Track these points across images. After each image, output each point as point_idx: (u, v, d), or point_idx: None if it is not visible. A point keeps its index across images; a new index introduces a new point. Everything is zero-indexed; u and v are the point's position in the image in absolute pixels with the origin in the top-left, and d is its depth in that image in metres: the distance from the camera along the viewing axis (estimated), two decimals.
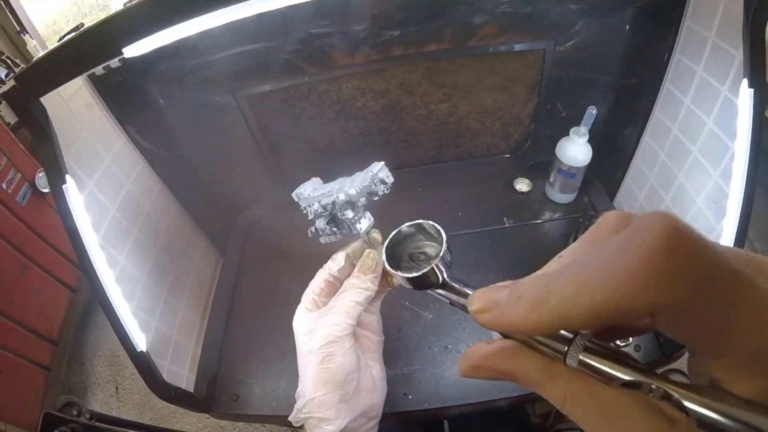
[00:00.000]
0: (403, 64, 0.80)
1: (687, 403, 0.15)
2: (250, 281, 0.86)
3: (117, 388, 1.60)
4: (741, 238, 0.56)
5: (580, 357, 0.18)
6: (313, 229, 0.49)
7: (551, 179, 0.88)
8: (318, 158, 0.93)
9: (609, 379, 0.17)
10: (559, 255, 0.21)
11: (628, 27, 0.76)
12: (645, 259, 0.13)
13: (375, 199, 0.47)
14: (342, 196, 0.47)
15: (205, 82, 0.76)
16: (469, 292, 0.24)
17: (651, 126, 0.78)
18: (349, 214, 0.47)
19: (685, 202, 0.69)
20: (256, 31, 0.60)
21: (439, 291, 0.26)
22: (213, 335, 0.78)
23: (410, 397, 0.64)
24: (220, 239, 0.93)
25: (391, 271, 0.26)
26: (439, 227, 0.26)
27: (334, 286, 0.48)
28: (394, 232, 0.28)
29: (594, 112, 0.77)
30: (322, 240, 0.49)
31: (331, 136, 0.89)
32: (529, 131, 0.96)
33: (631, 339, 0.65)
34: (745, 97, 0.53)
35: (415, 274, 0.25)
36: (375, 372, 0.49)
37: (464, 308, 0.24)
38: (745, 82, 0.53)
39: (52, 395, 1.46)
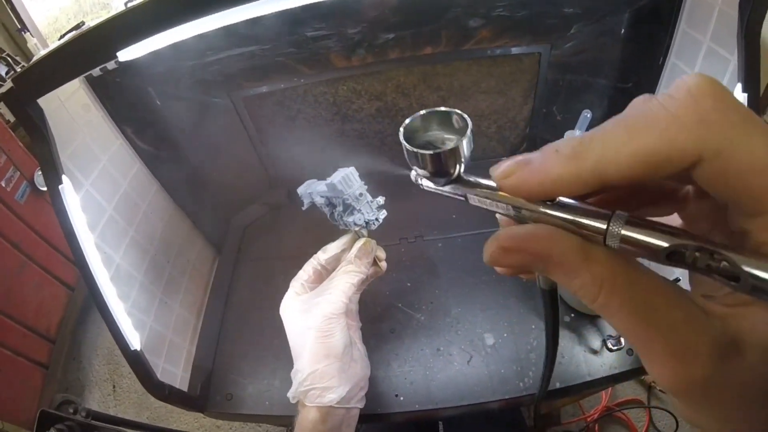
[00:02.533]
0: (399, 67, 0.80)
1: (744, 265, 0.14)
2: (245, 281, 0.87)
3: (114, 386, 1.61)
4: None
5: (622, 231, 0.16)
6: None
7: None
8: (314, 160, 0.93)
9: (652, 251, 0.15)
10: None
11: (623, 31, 0.76)
12: (691, 100, 0.13)
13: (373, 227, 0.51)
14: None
15: (201, 84, 0.77)
16: (487, 181, 0.21)
17: None
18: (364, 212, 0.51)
19: None
20: (252, 34, 0.61)
21: (453, 187, 0.24)
22: (208, 334, 0.78)
23: (402, 398, 0.64)
24: (216, 239, 0.93)
25: (410, 148, 0.23)
26: (463, 114, 0.23)
27: (321, 275, 0.53)
28: (412, 117, 0.24)
29: (589, 115, 0.77)
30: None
31: (328, 138, 0.90)
32: (525, 134, 0.96)
33: (623, 342, 0.65)
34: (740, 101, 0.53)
35: (435, 151, 0.22)
36: (360, 347, 0.55)
37: (482, 200, 0.22)
38: (739, 86, 0.53)
39: (50, 393, 1.47)
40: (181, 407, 0.66)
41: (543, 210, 0.18)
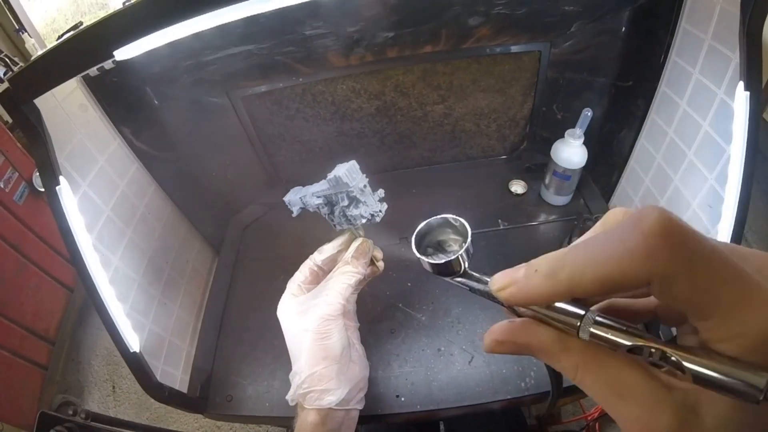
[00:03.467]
0: (398, 65, 0.80)
1: (684, 362, 0.17)
2: (244, 282, 0.86)
3: (114, 387, 1.60)
4: (737, 242, 0.56)
5: (591, 329, 0.20)
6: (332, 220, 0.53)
7: (546, 181, 0.87)
8: (313, 159, 0.93)
9: (616, 346, 0.19)
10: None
11: (624, 29, 0.76)
12: (643, 237, 0.16)
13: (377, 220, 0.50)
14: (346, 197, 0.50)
15: (199, 83, 0.76)
16: (487, 279, 0.26)
17: (647, 128, 0.78)
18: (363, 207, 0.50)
19: (681, 205, 0.69)
20: (250, 33, 0.60)
21: (460, 279, 0.29)
22: (207, 336, 0.78)
23: (403, 399, 0.64)
24: (214, 240, 0.93)
25: (421, 257, 0.28)
26: (464, 221, 0.29)
27: (317, 276, 0.53)
28: (423, 223, 0.30)
29: (589, 114, 0.77)
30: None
31: (326, 137, 0.89)
32: (525, 133, 0.96)
33: None
34: (742, 100, 0.53)
35: (442, 260, 0.28)
36: (358, 348, 0.54)
37: (483, 293, 0.27)
38: (741, 84, 0.52)
39: (49, 394, 1.47)
40: (180, 409, 0.65)
41: (532, 309, 0.23)
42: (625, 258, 0.17)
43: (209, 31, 0.48)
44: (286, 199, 0.57)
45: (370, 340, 0.69)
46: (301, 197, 0.55)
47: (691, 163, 0.66)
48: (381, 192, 0.54)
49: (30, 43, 2.08)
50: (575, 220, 0.83)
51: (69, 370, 1.64)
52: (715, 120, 0.61)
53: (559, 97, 0.88)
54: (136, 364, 0.58)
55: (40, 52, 0.49)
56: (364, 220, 0.51)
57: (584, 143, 0.80)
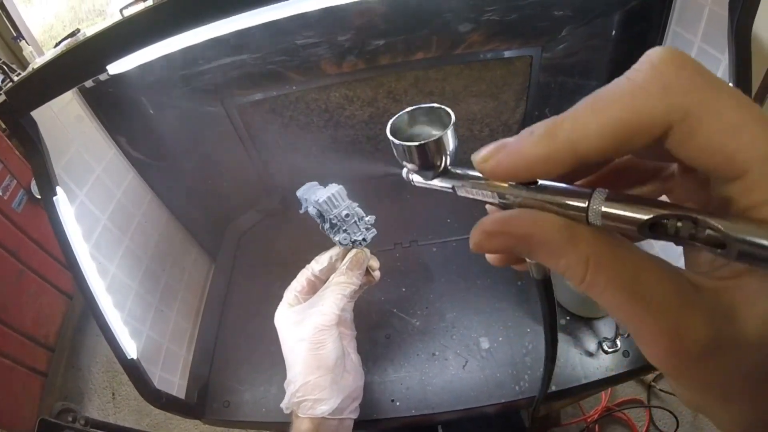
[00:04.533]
0: (391, 72, 0.81)
1: (726, 230, 0.13)
2: (241, 289, 0.87)
3: (114, 394, 1.61)
4: None
5: (603, 208, 0.16)
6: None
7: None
8: (308, 166, 0.94)
9: (633, 223, 0.15)
10: None
11: (614, 32, 0.76)
12: (654, 70, 0.14)
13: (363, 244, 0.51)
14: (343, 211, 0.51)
15: (194, 92, 0.77)
16: (473, 171, 0.22)
17: None
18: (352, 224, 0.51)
19: None
20: (242, 43, 0.61)
21: (441, 179, 0.25)
22: (204, 342, 0.78)
23: (397, 403, 0.64)
24: (211, 247, 0.94)
25: (397, 141, 0.23)
26: (447, 109, 0.23)
27: (314, 285, 0.53)
28: (398, 114, 0.25)
29: None
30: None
31: (321, 144, 0.90)
32: None
33: (619, 344, 0.66)
34: None
35: (420, 142, 0.22)
36: (353, 358, 0.54)
37: (469, 189, 0.23)
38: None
39: (49, 401, 1.47)
40: (178, 415, 0.66)
41: (526, 194, 0.19)
42: (638, 95, 0.14)
43: (202, 43, 0.49)
44: (299, 193, 0.56)
45: (365, 345, 0.69)
46: (306, 198, 0.55)
47: None
48: (371, 219, 0.54)
49: (28, 50, 2.09)
50: None
51: (69, 377, 1.64)
52: None
53: (552, 102, 0.89)
54: (134, 371, 0.59)
55: (40, 62, 0.50)
56: (343, 246, 0.52)
57: None
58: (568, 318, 0.70)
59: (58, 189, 0.55)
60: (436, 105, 0.24)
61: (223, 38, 0.49)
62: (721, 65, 0.57)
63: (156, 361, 0.68)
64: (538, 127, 0.16)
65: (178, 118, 0.81)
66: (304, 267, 0.57)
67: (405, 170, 0.28)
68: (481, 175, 0.20)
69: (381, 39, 0.69)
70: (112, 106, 0.70)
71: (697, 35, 0.61)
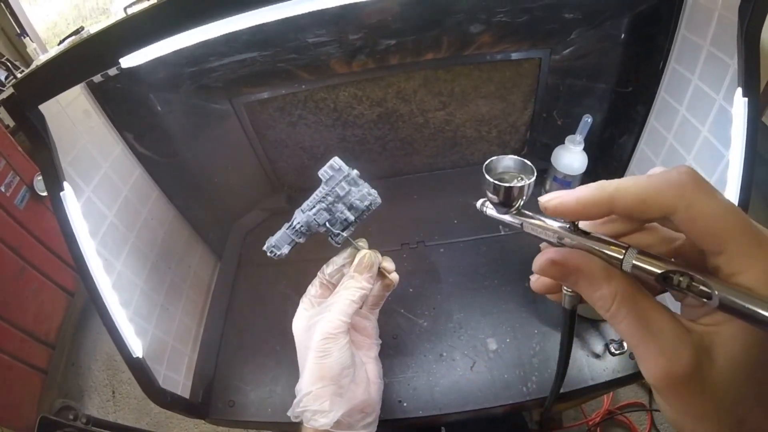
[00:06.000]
0: (400, 72, 0.80)
1: (713, 288, 0.19)
2: (246, 287, 0.86)
3: (114, 392, 1.60)
4: None
5: (634, 261, 0.22)
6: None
7: (547, 187, 0.88)
8: (315, 165, 0.92)
9: (651, 274, 0.22)
10: None
11: (623, 36, 0.76)
12: (678, 174, 0.21)
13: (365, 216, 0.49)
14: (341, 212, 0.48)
15: (202, 90, 0.77)
16: (540, 215, 0.28)
17: (646, 134, 0.78)
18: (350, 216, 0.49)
19: None
20: (254, 40, 0.61)
21: (512, 215, 0.31)
22: (209, 341, 0.78)
23: (405, 404, 0.64)
24: (217, 245, 0.93)
25: (491, 179, 0.29)
26: (531, 164, 0.30)
27: (328, 289, 0.52)
28: (492, 158, 0.32)
29: (589, 120, 0.77)
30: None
31: (328, 143, 0.90)
32: (525, 139, 0.96)
33: (626, 346, 0.65)
34: (740, 105, 0.53)
35: (510, 184, 0.29)
36: (370, 368, 0.51)
37: (534, 227, 0.29)
38: (739, 91, 0.53)
39: (49, 399, 1.46)
40: (183, 414, 0.65)
41: (580, 239, 0.25)
42: (662, 185, 0.21)
43: (214, 39, 0.48)
44: (273, 242, 0.51)
45: None
46: (294, 227, 0.50)
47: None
48: (355, 172, 0.50)
49: (31, 47, 2.09)
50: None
51: (69, 375, 1.64)
52: (714, 125, 0.62)
53: (560, 104, 0.88)
54: (139, 370, 0.58)
55: (44, 57, 0.50)
56: (370, 199, 0.49)
57: (584, 149, 0.81)
58: None
59: (65, 184, 0.54)
60: (525, 160, 0.31)
61: (234, 35, 0.48)
62: (730, 70, 0.57)
63: (161, 360, 0.67)
64: (591, 185, 0.23)
65: (185, 115, 0.81)
66: (309, 266, 0.56)
67: (481, 202, 0.34)
68: (545, 220, 0.28)
69: (392, 39, 0.69)
70: (119, 102, 0.70)
71: (707, 39, 0.61)
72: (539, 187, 0.91)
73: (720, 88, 0.60)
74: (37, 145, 0.53)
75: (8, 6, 2.15)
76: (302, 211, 0.49)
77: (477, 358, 0.67)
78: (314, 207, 0.49)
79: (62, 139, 0.56)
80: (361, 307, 0.50)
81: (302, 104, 0.83)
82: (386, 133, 0.90)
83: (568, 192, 0.24)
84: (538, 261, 0.26)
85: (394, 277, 0.53)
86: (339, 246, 0.51)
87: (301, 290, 0.54)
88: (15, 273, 1.42)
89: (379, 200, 0.49)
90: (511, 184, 0.29)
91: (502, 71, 0.83)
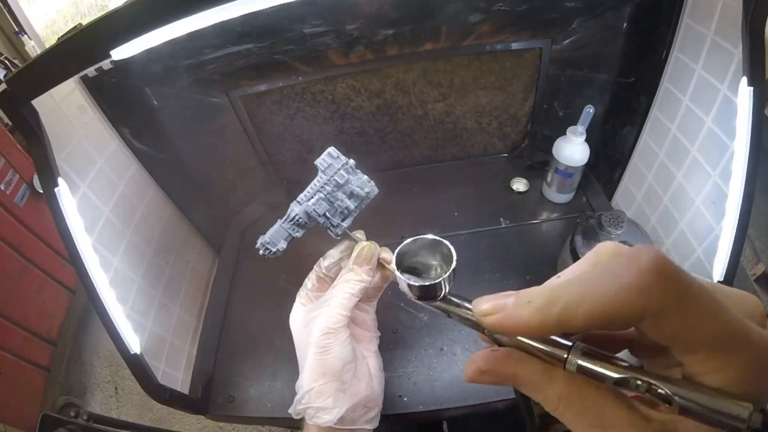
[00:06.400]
0: (399, 63, 0.79)
1: (673, 393, 0.18)
2: (245, 282, 0.86)
3: (116, 388, 1.60)
4: (740, 238, 0.55)
5: (578, 362, 0.20)
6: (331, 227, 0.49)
7: (548, 179, 0.87)
8: (313, 158, 0.92)
9: (602, 379, 0.19)
10: (557, 275, 0.23)
11: (625, 25, 0.75)
12: (639, 273, 0.17)
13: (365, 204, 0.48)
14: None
15: (198, 83, 0.76)
16: (468, 304, 0.25)
17: (649, 125, 0.77)
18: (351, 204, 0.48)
19: (684, 202, 0.68)
20: (249, 31, 0.60)
21: (437, 304, 0.28)
22: (208, 337, 0.77)
23: (405, 399, 0.64)
24: (215, 240, 0.93)
25: (400, 276, 0.27)
26: (450, 246, 0.28)
27: (325, 282, 0.50)
28: (407, 241, 0.29)
29: (591, 111, 0.76)
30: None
31: (327, 136, 0.89)
32: (526, 131, 0.95)
33: None
34: (745, 95, 0.52)
35: (424, 283, 0.26)
36: (371, 362, 0.50)
37: (462, 319, 0.26)
38: (744, 80, 0.52)
39: (52, 396, 1.47)
40: (182, 410, 0.65)
41: (516, 339, 0.22)
42: (621, 293, 0.17)
43: (208, 30, 0.47)
44: (266, 239, 0.48)
45: None
46: (292, 219, 0.48)
47: (695, 159, 0.66)
48: (351, 162, 0.49)
49: (30, 45, 2.08)
50: (577, 218, 0.82)
51: (71, 372, 1.64)
52: (718, 116, 0.61)
53: (561, 94, 0.87)
54: (138, 366, 0.58)
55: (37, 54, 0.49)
56: (369, 186, 0.48)
57: (586, 140, 0.80)
58: None
59: (60, 180, 0.54)
60: (440, 239, 0.28)
61: (229, 26, 0.48)
62: (734, 59, 0.56)
63: (160, 356, 0.67)
64: (536, 299, 0.20)
65: (181, 109, 0.80)
66: (309, 260, 0.55)
67: (402, 284, 0.31)
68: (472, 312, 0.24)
69: (390, 29, 0.68)
70: (115, 97, 0.69)
71: (710, 28, 0.60)
72: (541, 180, 0.90)
73: (724, 78, 0.58)
74: (31, 141, 0.53)
75: (6, 4, 2.14)
76: (299, 202, 0.47)
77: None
78: (313, 196, 0.47)
79: (57, 135, 0.55)
80: (360, 300, 0.49)
81: (300, 96, 0.82)
82: (385, 125, 0.89)
83: (507, 309, 0.21)
84: (467, 368, 0.23)
85: (394, 268, 0.52)
86: (338, 238, 0.49)
87: (299, 285, 0.53)
88: (16, 271, 1.42)
89: (376, 189, 0.48)
90: (428, 282, 0.26)
91: (502, 62, 0.82)
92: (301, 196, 0.47)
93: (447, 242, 0.28)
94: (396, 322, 0.72)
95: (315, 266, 0.52)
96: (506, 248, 0.81)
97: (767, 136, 0.56)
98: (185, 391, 0.67)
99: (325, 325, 0.44)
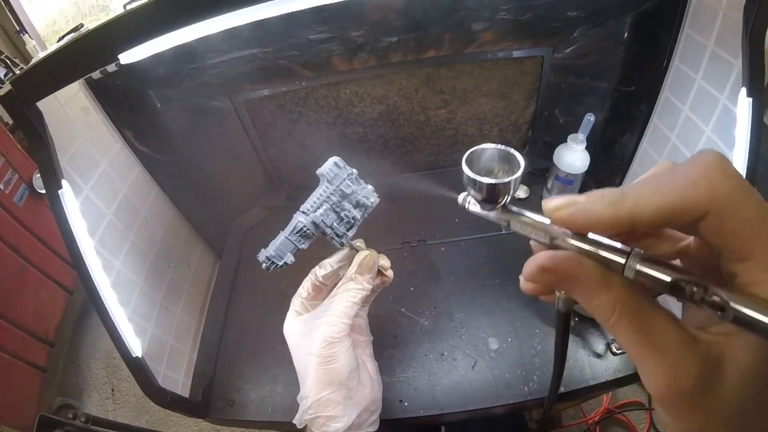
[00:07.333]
0: (402, 70, 0.80)
1: (729, 300, 0.17)
2: (246, 286, 0.86)
3: (113, 390, 1.60)
4: None
5: (637, 266, 0.20)
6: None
7: (549, 186, 0.87)
8: (316, 163, 0.92)
9: (659, 283, 0.19)
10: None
11: (626, 34, 0.76)
12: (705, 170, 0.18)
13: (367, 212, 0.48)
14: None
15: (202, 87, 0.76)
16: (528, 213, 0.25)
17: (649, 133, 0.78)
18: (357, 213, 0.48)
19: None
20: (254, 36, 0.60)
21: (498, 210, 0.27)
22: (209, 340, 0.77)
23: (406, 404, 0.64)
24: (217, 243, 0.93)
25: (472, 175, 0.26)
26: (518, 154, 0.27)
27: (321, 291, 0.50)
28: (474, 148, 0.27)
29: (592, 119, 0.77)
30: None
31: (329, 141, 0.89)
32: (527, 138, 0.96)
33: None
34: (744, 106, 0.53)
35: (500, 181, 0.25)
36: (369, 367, 0.51)
37: (523, 225, 0.25)
38: (743, 91, 0.53)
39: (48, 397, 1.46)
40: (183, 414, 0.65)
41: (574, 242, 0.22)
42: (689, 187, 0.18)
43: (214, 35, 0.48)
44: (271, 253, 0.48)
45: (373, 345, 0.69)
46: (298, 230, 0.48)
47: None
48: (354, 172, 0.49)
49: (30, 44, 2.08)
50: None
51: (68, 373, 1.63)
52: (718, 125, 0.61)
53: (562, 102, 0.88)
54: (139, 369, 0.58)
55: (42, 55, 0.49)
56: (374, 196, 0.48)
57: (587, 148, 0.80)
58: (576, 319, 0.70)
59: (64, 182, 0.54)
60: (511, 150, 0.27)
61: (235, 31, 0.48)
62: (734, 70, 0.57)
63: (160, 359, 0.67)
64: (609, 195, 0.20)
65: (184, 112, 0.80)
66: (311, 264, 0.55)
67: (463, 196, 0.31)
68: (534, 218, 0.25)
69: (394, 36, 0.68)
70: (118, 99, 0.69)
71: (711, 39, 0.61)
72: (542, 186, 0.91)
73: (724, 88, 0.59)
74: (35, 142, 0.53)
75: (8, 3, 2.14)
76: (305, 213, 0.47)
77: (478, 357, 0.67)
78: (320, 207, 0.47)
79: (60, 137, 0.55)
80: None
81: (303, 101, 0.83)
82: (387, 131, 0.90)
83: (579, 204, 0.21)
84: (528, 267, 0.23)
85: (390, 274, 0.52)
86: (341, 247, 0.49)
87: None
88: (14, 271, 1.41)
89: (378, 198, 0.48)
90: (495, 181, 0.25)
91: (504, 69, 0.83)
92: (306, 207, 0.47)
93: (514, 152, 0.27)
94: (397, 327, 0.72)
95: (310, 274, 0.51)
96: (507, 254, 0.82)
97: (766, 144, 0.57)
98: (185, 394, 0.67)
99: (329, 334, 0.44)
